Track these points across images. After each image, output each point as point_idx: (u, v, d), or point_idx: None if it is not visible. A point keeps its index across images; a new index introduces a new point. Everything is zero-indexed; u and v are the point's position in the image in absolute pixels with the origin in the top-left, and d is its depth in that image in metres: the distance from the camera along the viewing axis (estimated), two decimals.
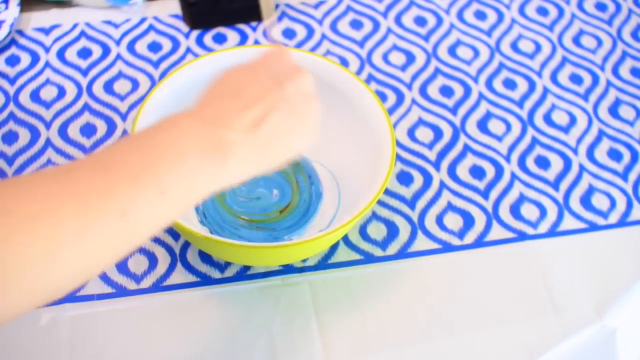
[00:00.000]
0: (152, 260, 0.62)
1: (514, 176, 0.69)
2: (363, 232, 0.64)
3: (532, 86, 0.76)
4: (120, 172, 0.39)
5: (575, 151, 0.71)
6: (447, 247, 0.64)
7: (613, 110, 0.74)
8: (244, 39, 0.77)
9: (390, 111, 0.72)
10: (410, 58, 0.77)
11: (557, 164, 0.70)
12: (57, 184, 0.37)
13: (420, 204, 0.66)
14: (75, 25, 0.77)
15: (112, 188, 0.38)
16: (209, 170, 0.42)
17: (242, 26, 0.78)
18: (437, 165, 0.69)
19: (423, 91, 0.74)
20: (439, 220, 0.65)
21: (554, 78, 0.76)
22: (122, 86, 0.73)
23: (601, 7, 0.84)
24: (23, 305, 0.35)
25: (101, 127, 0.69)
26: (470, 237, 0.65)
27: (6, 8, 0.76)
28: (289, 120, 0.46)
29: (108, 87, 0.73)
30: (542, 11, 0.82)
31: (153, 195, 0.39)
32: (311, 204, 0.64)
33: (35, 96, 0.72)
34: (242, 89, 0.46)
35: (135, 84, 0.73)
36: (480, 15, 0.81)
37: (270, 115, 0.45)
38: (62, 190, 0.36)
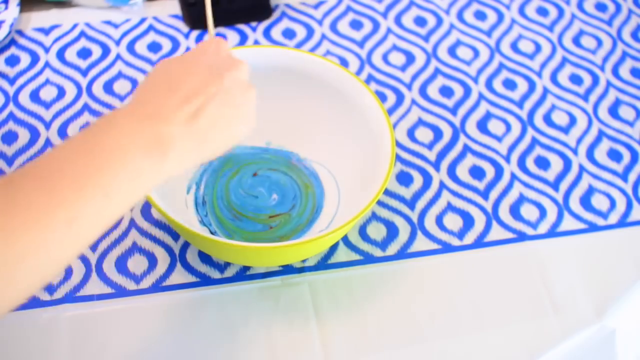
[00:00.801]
0: (152, 260, 0.62)
1: (513, 176, 0.69)
2: (363, 232, 0.64)
3: (531, 86, 0.76)
4: (63, 180, 0.38)
5: (575, 152, 0.71)
6: (446, 248, 0.64)
7: (613, 111, 0.74)
8: (243, 39, 0.77)
9: (390, 111, 0.72)
10: (410, 58, 0.77)
11: (556, 164, 0.70)
12: (2, 199, 0.37)
13: (420, 204, 0.66)
14: (75, 26, 0.77)
15: (57, 197, 0.38)
16: (151, 168, 0.42)
17: (242, 26, 0.78)
18: (436, 165, 0.69)
19: (423, 91, 0.74)
20: (439, 221, 0.65)
21: (553, 78, 0.76)
22: (122, 86, 0.73)
23: (601, 7, 0.83)
24: None
25: None
26: (470, 238, 0.65)
27: (6, 8, 0.76)
28: (227, 111, 0.47)
29: (108, 87, 0.73)
30: (542, 11, 0.82)
31: (98, 200, 0.39)
32: (306, 227, 0.64)
33: (34, 96, 0.72)
34: (179, 82, 0.46)
35: (135, 85, 0.73)
36: (480, 16, 0.81)
37: (208, 107, 0.45)
38: (7, 206, 0.37)
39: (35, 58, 0.74)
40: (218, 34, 0.77)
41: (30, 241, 0.36)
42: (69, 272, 0.60)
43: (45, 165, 0.39)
